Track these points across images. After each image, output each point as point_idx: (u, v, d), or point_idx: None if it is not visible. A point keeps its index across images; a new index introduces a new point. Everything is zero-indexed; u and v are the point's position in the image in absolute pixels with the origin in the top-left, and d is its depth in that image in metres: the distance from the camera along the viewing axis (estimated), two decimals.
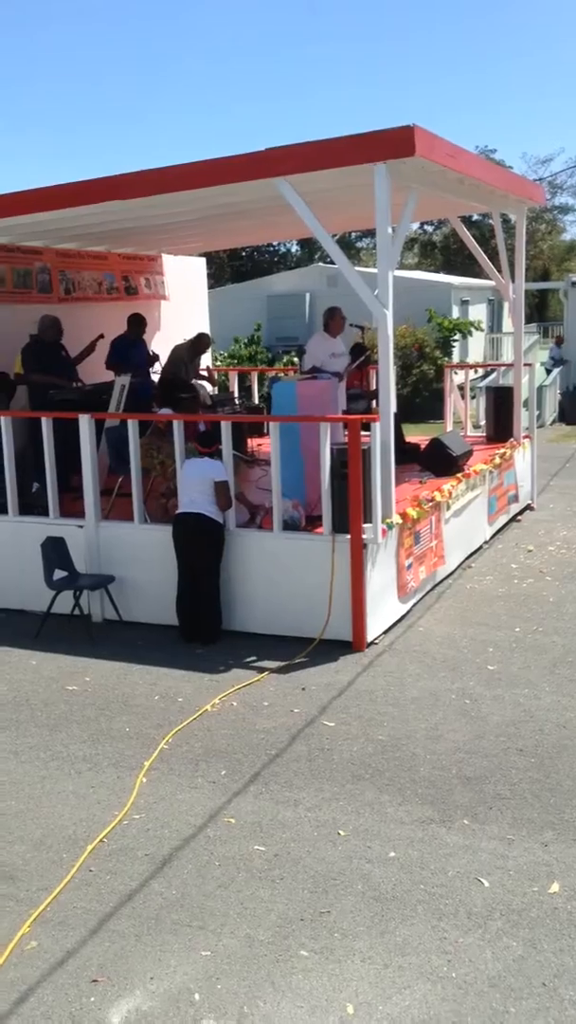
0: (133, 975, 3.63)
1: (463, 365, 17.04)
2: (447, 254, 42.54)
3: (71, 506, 7.99)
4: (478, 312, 23.41)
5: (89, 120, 71.73)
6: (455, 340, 20.52)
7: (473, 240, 10.25)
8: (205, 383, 11.76)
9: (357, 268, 7.85)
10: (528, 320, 21.30)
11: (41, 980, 3.62)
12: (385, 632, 7.18)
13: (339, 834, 4.52)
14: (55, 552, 7.41)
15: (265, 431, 10.41)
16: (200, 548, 7.05)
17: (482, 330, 22.26)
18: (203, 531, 7.01)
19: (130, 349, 10.27)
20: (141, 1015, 3.42)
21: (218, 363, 17.98)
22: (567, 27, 66.12)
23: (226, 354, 20.09)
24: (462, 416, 12.21)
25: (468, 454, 9.35)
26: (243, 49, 71.08)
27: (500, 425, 10.94)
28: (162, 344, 11.39)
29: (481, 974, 3.55)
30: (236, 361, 20.12)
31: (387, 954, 3.68)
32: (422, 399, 18.51)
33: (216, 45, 70.77)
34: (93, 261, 11.59)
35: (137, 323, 10.54)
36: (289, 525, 7.18)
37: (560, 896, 3.99)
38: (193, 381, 11.34)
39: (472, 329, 20.96)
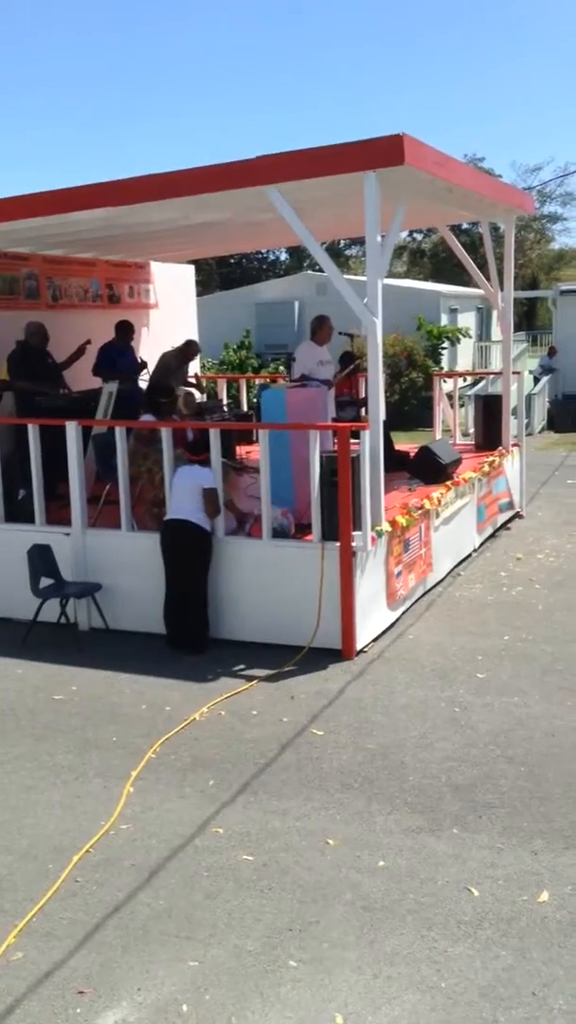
0: (120, 986, 3.59)
1: (452, 373, 17.09)
2: (436, 262, 42.76)
3: (58, 513, 7.95)
4: (467, 320, 23.50)
5: (81, 126, 71.99)
6: (443, 348, 20.57)
7: (462, 248, 10.28)
8: (193, 391, 11.74)
9: (346, 276, 7.85)
10: (517, 328, 21.35)
11: (27, 991, 3.58)
12: (374, 640, 7.16)
13: (328, 844, 4.50)
14: (41, 560, 7.37)
15: (254, 439, 10.40)
16: (188, 555, 7.02)
17: (470, 337, 22.32)
18: (191, 538, 6.99)
19: (118, 356, 10.25)
20: None
21: (208, 371, 17.96)
22: (558, 36, 66.74)
23: (216, 362, 20.09)
24: (451, 424, 12.23)
25: (457, 462, 9.36)
26: (232, 59, 71.46)
27: (489, 433, 10.96)
28: (150, 351, 11.37)
29: (471, 984, 3.53)
30: (227, 367, 20.12)
31: (376, 964, 3.66)
32: (411, 407, 18.54)
33: (207, 54, 71.13)
34: (80, 268, 11.56)
35: (125, 330, 10.52)
36: (278, 533, 7.16)
37: (549, 905, 3.97)
38: (181, 388, 11.32)
39: (460, 336, 21.02)
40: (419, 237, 44.20)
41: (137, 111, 71.91)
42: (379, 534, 7.12)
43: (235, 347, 21.09)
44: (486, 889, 4.09)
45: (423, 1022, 3.35)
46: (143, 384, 10.65)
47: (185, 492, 7.04)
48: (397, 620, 7.58)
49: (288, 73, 71.90)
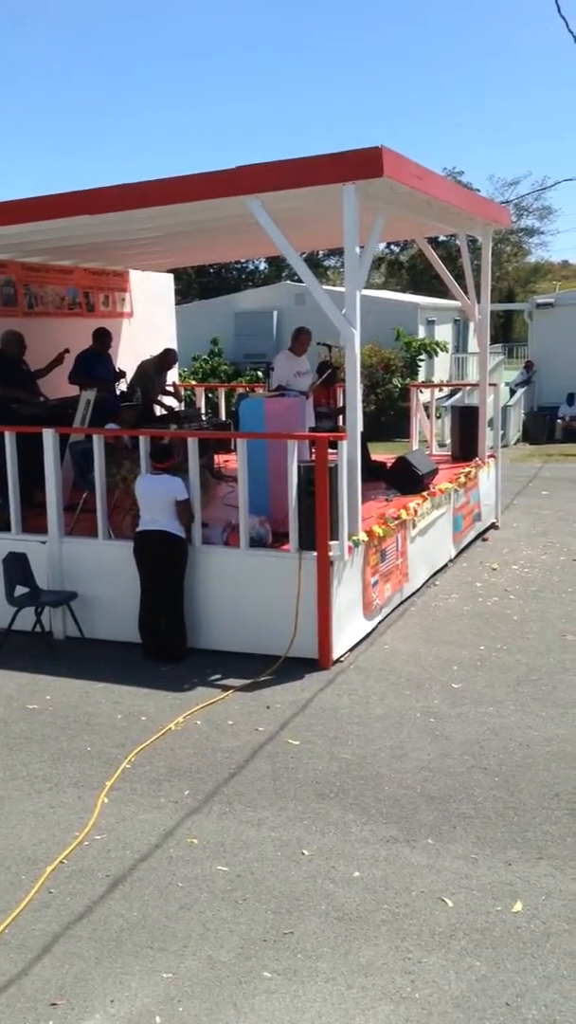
0: (93, 998, 3.57)
1: (429, 384, 17.18)
2: (414, 274, 42.98)
3: (34, 521, 7.91)
4: (444, 332, 23.63)
5: (61, 121, 72.09)
6: (421, 359, 20.69)
7: (440, 261, 10.35)
8: (172, 399, 11.74)
9: (324, 287, 7.88)
10: (493, 341, 21.47)
11: None
12: (351, 650, 7.17)
13: (303, 854, 4.49)
14: (17, 568, 7.33)
15: (232, 448, 10.40)
16: (164, 565, 7.01)
17: (447, 351, 22.45)
18: (166, 547, 6.97)
19: (95, 364, 10.22)
20: None
21: (184, 379, 17.96)
22: (537, 53, 67.48)
23: (188, 372, 20.05)
24: (428, 435, 12.29)
25: (434, 473, 9.41)
26: (219, 70, 71.82)
27: (465, 444, 11.03)
28: (127, 360, 11.35)
29: (444, 994, 3.54)
30: (199, 376, 20.12)
31: (350, 975, 3.65)
32: (387, 417, 18.61)
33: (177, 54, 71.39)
34: (57, 275, 11.54)
35: (102, 337, 10.49)
36: (256, 542, 7.16)
37: (523, 915, 3.99)
38: (160, 397, 11.32)
39: (438, 349, 21.15)
40: (396, 249, 44.44)
41: (127, 110, 72.29)
42: (356, 544, 7.14)
43: (205, 357, 21.07)
44: (460, 899, 4.10)
45: None
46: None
47: (156, 502, 7.02)
48: (373, 630, 7.59)
49: (268, 87, 72.42)
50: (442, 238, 30.30)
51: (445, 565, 9.52)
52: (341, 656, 7.02)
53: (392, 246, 43.19)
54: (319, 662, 6.83)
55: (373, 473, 9.08)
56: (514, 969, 3.66)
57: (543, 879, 4.23)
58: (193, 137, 72.72)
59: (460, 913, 4.01)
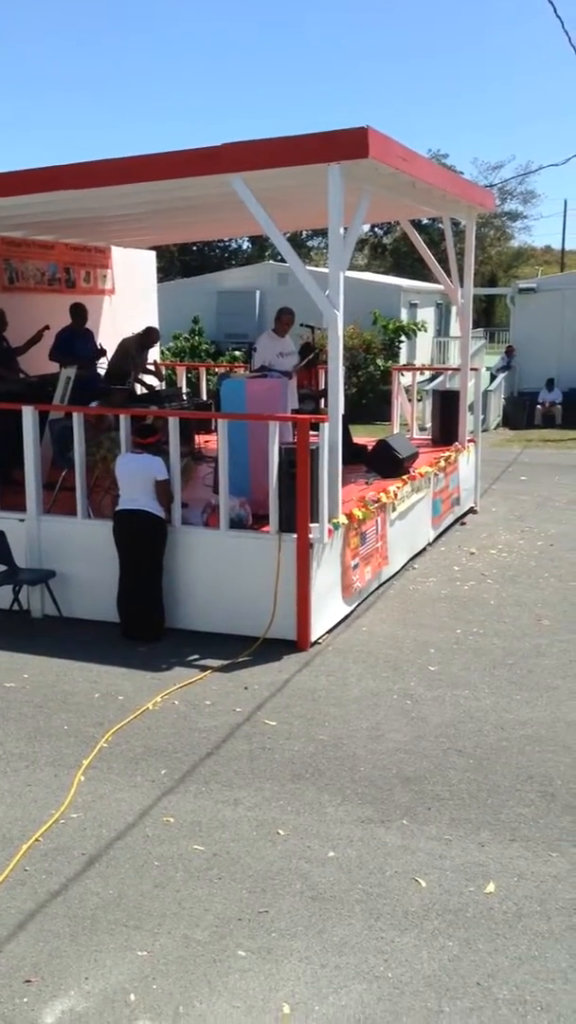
0: (68, 975, 3.58)
1: (410, 367, 17.17)
2: (397, 256, 42.90)
3: (12, 499, 7.86)
4: (426, 315, 23.61)
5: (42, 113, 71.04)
6: (400, 342, 20.68)
7: (423, 244, 10.33)
8: (152, 378, 11.67)
9: (308, 267, 7.85)
10: (475, 325, 21.51)
11: None
12: (329, 632, 7.20)
13: (278, 834, 4.52)
14: None
15: (213, 428, 10.36)
16: (143, 545, 6.99)
17: (425, 331, 22.45)
18: (146, 527, 6.95)
19: (74, 340, 10.14)
20: (75, 1016, 3.38)
21: (164, 359, 17.87)
22: (523, 37, 67.26)
23: (169, 352, 19.94)
24: (408, 418, 12.30)
25: (414, 456, 9.43)
26: (213, 53, 71.07)
27: (446, 428, 11.05)
28: (108, 338, 11.27)
29: (417, 974, 3.57)
30: (181, 356, 20.02)
31: (324, 954, 3.69)
32: (368, 400, 18.62)
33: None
34: (38, 250, 11.41)
35: (79, 313, 10.38)
36: (236, 523, 7.15)
37: (495, 896, 4.03)
38: (141, 376, 11.25)
39: (415, 330, 21.12)
40: (380, 232, 44.33)
41: (119, 85, 71.50)
42: (336, 527, 7.14)
43: (186, 335, 20.95)
44: (434, 880, 4.14)
45: (369, 1012, 3.39)
46: (102, 371, 10.57)
47: (136, 481, 6.99)
48: (352, 612, 7.62)
49: (261, 67, 71.90)
50: (426, 221, 30.24)
51: (424, 549, 9.55)
52: (320, 638, 7.04)
53: (376, 228, 43.10)
54: (297, 644, 6.85)
55: (354, 456, 9.08)
56: (486, 949, 3.70)
57: (515, 861, 4.28)
58: (183, 115, 72.13)
59: (433, 893, 4.05)
